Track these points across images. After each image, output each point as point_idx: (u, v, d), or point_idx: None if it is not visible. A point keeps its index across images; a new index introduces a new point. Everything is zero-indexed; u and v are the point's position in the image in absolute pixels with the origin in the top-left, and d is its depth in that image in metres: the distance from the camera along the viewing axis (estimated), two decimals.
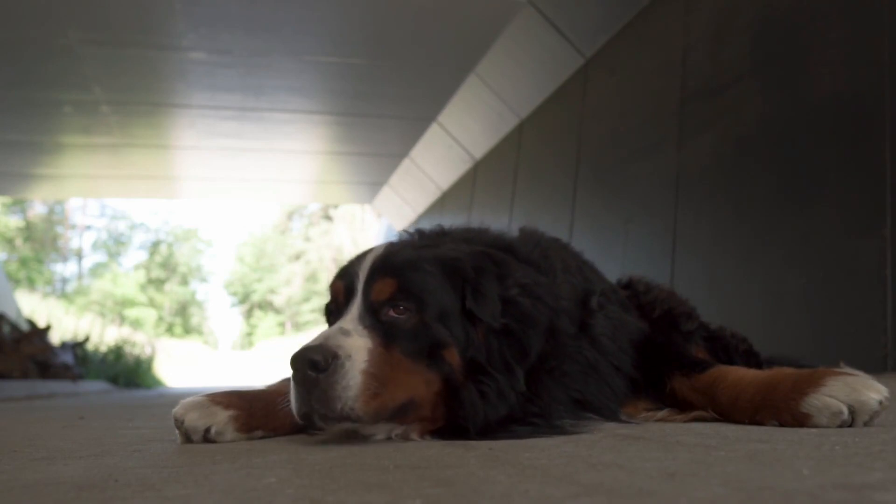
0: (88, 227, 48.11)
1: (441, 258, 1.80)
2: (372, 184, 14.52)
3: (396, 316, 1.70)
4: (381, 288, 1.73)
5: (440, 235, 2.04)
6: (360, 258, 1.84)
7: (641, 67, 6.91)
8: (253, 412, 1.85)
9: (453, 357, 1.70)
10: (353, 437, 1.74)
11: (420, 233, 2.08)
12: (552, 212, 8.18)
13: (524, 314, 1.75)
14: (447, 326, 1.71)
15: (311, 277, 46.79)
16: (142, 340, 23.56)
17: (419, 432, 1.71)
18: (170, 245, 49.81)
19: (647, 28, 6.84)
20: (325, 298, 1.93)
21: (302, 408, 1.62)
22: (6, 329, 11.61)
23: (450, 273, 1.77)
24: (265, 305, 49.97)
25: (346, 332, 1.66)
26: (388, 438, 1.72)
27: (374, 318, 1.71)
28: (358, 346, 1.63)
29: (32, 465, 1.47)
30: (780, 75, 4.90)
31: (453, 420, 1.68)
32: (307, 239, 48.17)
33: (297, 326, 45.80)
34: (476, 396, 1.67)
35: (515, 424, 1.68)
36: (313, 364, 1.58)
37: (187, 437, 1.79)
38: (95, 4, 7.47)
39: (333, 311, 1.84)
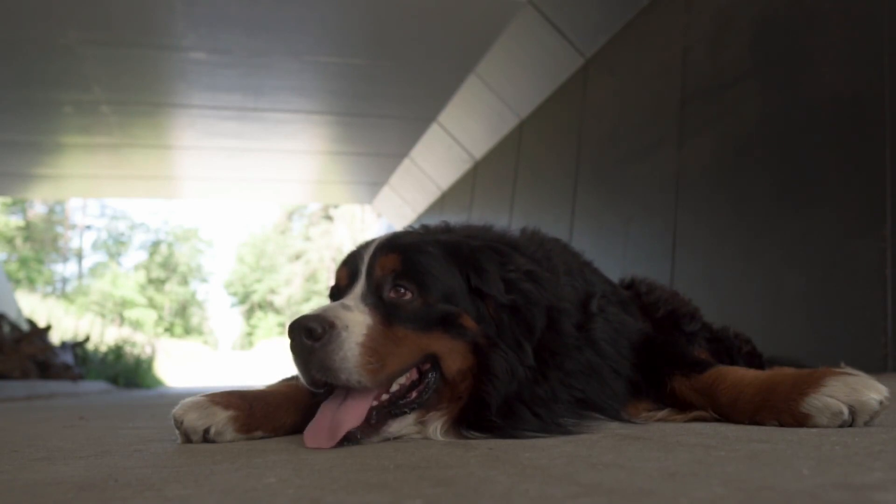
0: (88, 227, 48.15)
1: (443, 242, 1.82)
2: (372, 184, 14.52)
3: (399, 297, 1.70)
4: (385, 263, 1.74)
5: (445, 231, 2.05)
6: (366, 245, 1.86)
7: (641, 67, 6.91)
8: (253, 412, 1.85)
9: (470, 322, 1.71)
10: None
11: (425, 227, 2.09)
12: (552, 212, 8.18)
13: (526, 293, 1.77)
14: (455, 304, 1.72)
15: (311, 277, 46.77)
16: (142, 340, 23.55)
17: (442, 421, 1.71)
18: (170, 245, 49.78)
19: (647, 28, 6.84)
20: (326, 298, 1.93)
21: (305, 376, 1.62)
22: (6, 329, 11.60)
23: (452, 254, 1.79)
24: (265, 305, 49.95)
25: (346, 307, 1.67)
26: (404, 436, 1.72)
27: (376, 298, 1.71)
28: (357, 319, 1.63)
29: (32, 465, 1.47)
30: (780, 75, 4.90)
31: (478, 394, 1.68)
32: (307, 239, 48.17)
33: None
34: (503, 359, 1.68)
35: (523, 406, 1.68)
36: (309, 332, 1.57)
37: (187, 438, 1.79)
38: (95, 4, 7.47)
39: (335, 295, 1.85)
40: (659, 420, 1.89)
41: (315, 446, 1.62)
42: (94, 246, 48.09)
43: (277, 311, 48.72)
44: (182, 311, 49.14)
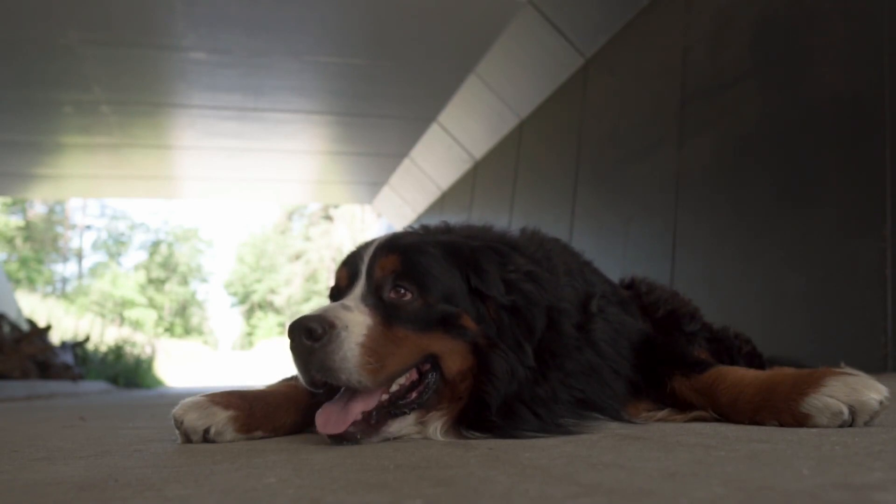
0: (88, 227, 48.15)
1: (443, 242, 1.82)
2: (372, 184, 14.52)
3: (399, 298, 1.70)
4: (385, 264, 1.74)
5: (444, 231, 2.05)
6: (365, 246, 1.86)
7: (641, 67, 6.91)
8: (253, 412, 1.85)
9: (470, 323, 1.71)
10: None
11: (425, 228, 2.09)
12: (552, 212, 8.18)
13: (526, 293, 1.76)
14: (455, 305, 1.72)
15: (311, 277, 46.77)
16: (142, 340, 23.55)
17: (443, 421, 1.71)
18: (170, 245, 49.78)
19: (647, 28, 6.84)
20: (326, 299, 1.93)
21: (305, 377, 1.62)
22: (6, 329, 11.60)
23: (452, 255, 1.78)
24: (265, 305, 49.95)
25: (346, 308, 1.66)
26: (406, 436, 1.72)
27: (376, 298, 1.71)
28: (357, 320, 1.63)
29: (32, 465, 1.47)
30: (780, 75, 4.90)
31: (478, 394, 1.68)
32: (307, 239, 48.18)
33: None
34: (503, 359, 1.68)
35: (523, 407, 1.67)
36: (309, 332, 1.57)
37: (187, 438, 1.79)
38: (95, 4, 7.47)
39: (335, 296, 1.84)
40: (659, 420, 1.89)
41: (326, 432, 1.62)
42: (94, 246, 48.14)
43: (277, 311, 48.71)
44: (182, 311, 49.14)
